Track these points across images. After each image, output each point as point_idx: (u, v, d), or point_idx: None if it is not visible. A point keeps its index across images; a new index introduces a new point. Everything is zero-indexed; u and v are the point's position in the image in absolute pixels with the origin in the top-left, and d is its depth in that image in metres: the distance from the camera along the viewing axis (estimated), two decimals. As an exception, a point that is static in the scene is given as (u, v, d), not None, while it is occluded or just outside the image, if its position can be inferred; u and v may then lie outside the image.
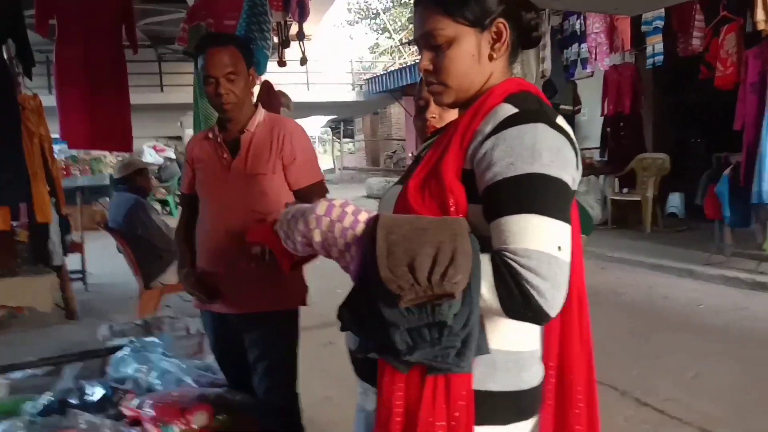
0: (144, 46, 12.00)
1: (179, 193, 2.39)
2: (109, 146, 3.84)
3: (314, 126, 26.14)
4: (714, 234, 6.13)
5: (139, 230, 4.18)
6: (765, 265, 5.49)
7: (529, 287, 0.90)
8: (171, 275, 4.19)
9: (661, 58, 6.55)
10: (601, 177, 8.33)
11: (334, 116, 25.20)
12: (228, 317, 2.05)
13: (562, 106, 7.86)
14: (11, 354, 3.45)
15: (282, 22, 2.43)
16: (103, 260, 6.16)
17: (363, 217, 1.00)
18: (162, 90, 16.07)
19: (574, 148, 1.02)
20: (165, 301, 4.21)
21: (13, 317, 4.89)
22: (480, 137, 1.00)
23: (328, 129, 27.37)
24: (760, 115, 5.16)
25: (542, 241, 0.92)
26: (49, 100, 4.24)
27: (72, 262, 5.62)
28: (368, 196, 14.29)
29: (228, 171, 2.01)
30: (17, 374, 3.23)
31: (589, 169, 7.98)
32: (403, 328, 0.93)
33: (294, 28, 2.46)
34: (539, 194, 0.94)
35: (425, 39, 1.09)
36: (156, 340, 2.68)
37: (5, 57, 3.65)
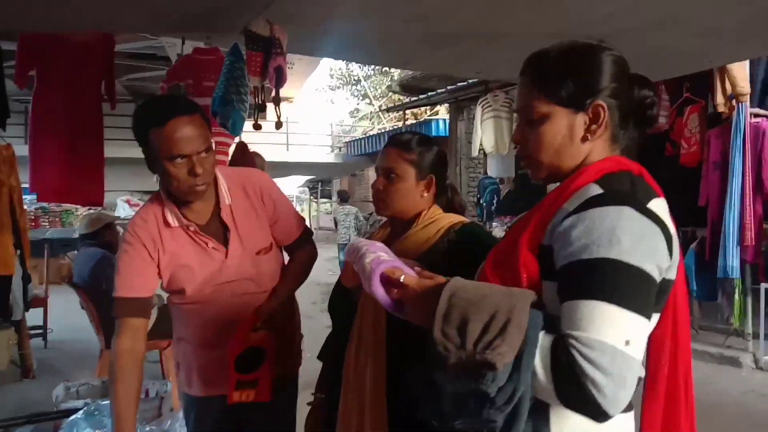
0: (125, 101, 12.12)
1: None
2: (80, 200, 3.79)
3: (292, 185, 26.28)
4: (682, 306, 6.20)
5: (104, 286, 4.08)
6: (732, 339, 5.55)
7: (586, 380, 0.84)
8: (134, 334, 4.07)
9: (629, 134, 6.79)
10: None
11: (313, 176, 25.40)
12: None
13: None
14: (-43, 414, 3.28)
15: (259, 87, 2.48)
16: (66, 316, 5.98)
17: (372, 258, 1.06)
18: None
19: (667, 236, 0.97)
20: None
21: (-36, 374, 4.68)
22: (562, 214, 0.97)
23: (306, 189, 27.53)
24: (722, 192, 5.35)
25: (609, 332, 0.86)
26: (23, 150, 4.21)
27: (33, 317, 5.45)
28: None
29: (224, 261, 1.73)
30: (-40, 436, 3.05)
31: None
32: (449, 391, 0.91)
33: (271, 93, 2.51)
34: (613, 281, 0.88)
35: (521, 112, 1.10)
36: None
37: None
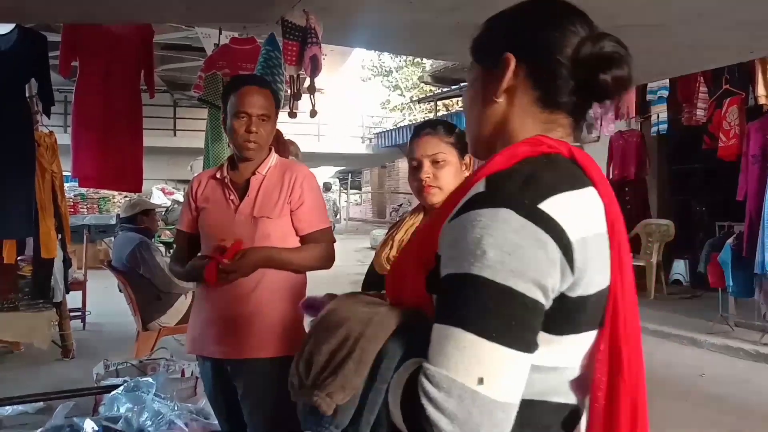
0: (161, 91, 12.36)
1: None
2: (119, 186, 3.91)
3: (323, 176, 26.51)
4: (718, 303, 6.09)
5: (141, 270, 4.20)
6: (768, 337, 5.43)
7: (428, 425, 0.69)
8: (169, 317, 4.19)
9: (665, 126, 6.68)
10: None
11: (343, 167, 25.56)
12: (224, 363, 2.01)
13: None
14: (2, 390, 3.42)
15: (295, 76, 2.52)
16: (103, 299, 6.16)
17: None
18: (175, 134, 16.41)
19: (562, 243, 0.75)
20: (162, 343, 4.19)
21: (9, 353, 4.88)
22: (450, 218, 0.80)
23: (336, 179, 27.75)
24: (761, 186, 5.23)
25: (459, 366, 0.70)
26: (63, 138, 4.35)
27: (72, 299, 5.63)
28: (372, 248, 14.32)
29: (235, 213, 1.99)
30: (6, 410, 3.19)
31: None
32: (307, 429, 0.83)
33: (306, 82, 2.55)
34: (472, 303, 0.71)
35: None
36: (150, 380, 2.67)
37: (27, 95, 3.78)
